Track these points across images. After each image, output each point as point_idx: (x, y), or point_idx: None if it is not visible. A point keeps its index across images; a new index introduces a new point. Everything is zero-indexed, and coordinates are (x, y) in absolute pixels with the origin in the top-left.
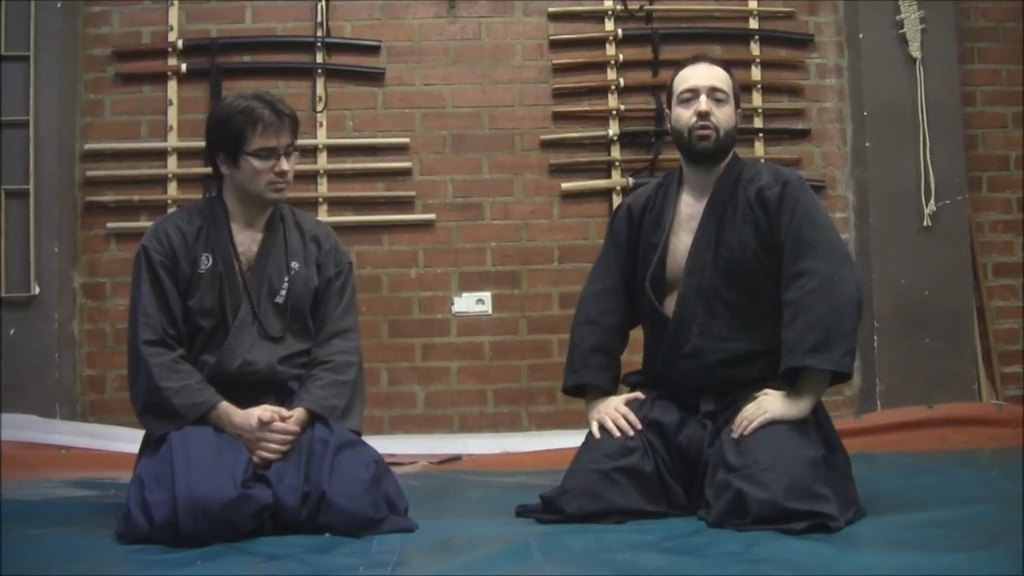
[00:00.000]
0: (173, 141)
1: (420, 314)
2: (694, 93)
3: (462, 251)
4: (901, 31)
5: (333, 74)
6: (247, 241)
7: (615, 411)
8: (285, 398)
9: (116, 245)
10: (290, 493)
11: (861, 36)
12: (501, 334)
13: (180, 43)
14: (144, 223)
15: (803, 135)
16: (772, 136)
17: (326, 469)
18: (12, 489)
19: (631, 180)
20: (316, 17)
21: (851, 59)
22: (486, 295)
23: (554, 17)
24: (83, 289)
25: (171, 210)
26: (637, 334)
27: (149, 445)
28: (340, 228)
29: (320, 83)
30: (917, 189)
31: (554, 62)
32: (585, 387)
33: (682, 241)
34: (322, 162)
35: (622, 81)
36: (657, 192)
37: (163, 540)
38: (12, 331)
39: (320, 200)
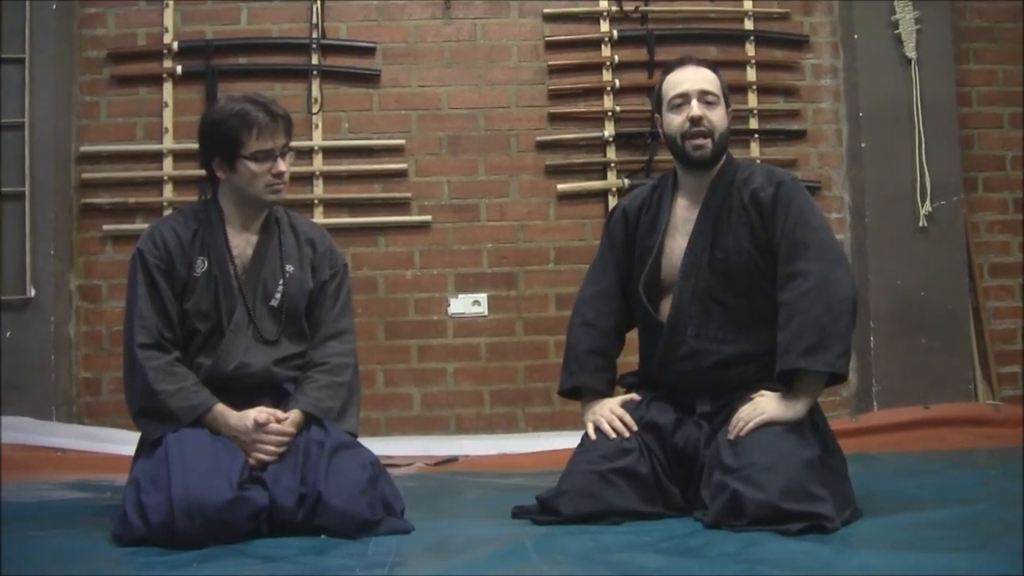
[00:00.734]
0: (169, 143)
1: (416, 316)
2: (685, 98)
3: (458, 252)
4: (896, 32)
5: (329, 76)
6: (242, 244)
7: (610, 412)
8: (281, 400)
9: (112, 247)
10: (286, 495)
11: (856, 37)
12: (497, 335)
13: (175, 45)
14: (140, 225)
15: (799, 136)
16: (768, 137)
17: (322, 471)
18: (9, 491)
19: (627, 181)
20: (311, 19)
21: (846, 60)
22: (482, 296)
23: (550, 18)
24: (79, 291)
25: (167, 212)
26: (634, 335)
27: (145, 447)
28: (336, 230)
29: (316, 85)
30: (913, 189)
31: (550, 63)
32: (581, 389)
33: (677, 244)
34: (318, 164)
35: (618, 82)
36: (652, 194)
37: (159, 542)
38: (8, 333)
39: (316, 202)
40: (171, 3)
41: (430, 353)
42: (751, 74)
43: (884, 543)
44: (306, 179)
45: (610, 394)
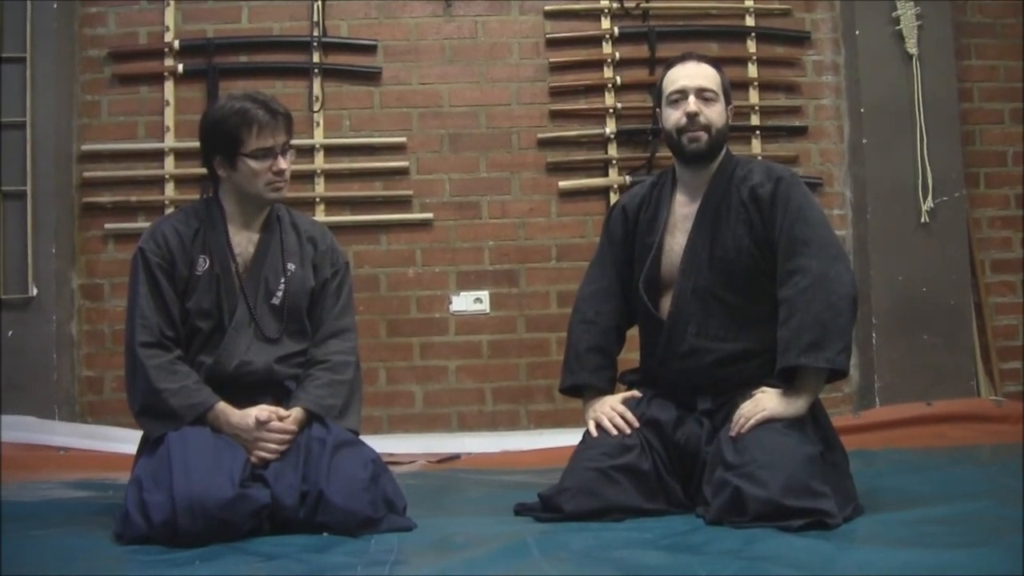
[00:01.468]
0: (170, 142)
1: (418, 313)
2: (682, 94)
3: (460, 250)
4: (897, 27)
5: (330, 74)
6: (244, 242)
7: (611, 410)
8: (282, 398)
9: (114, 246)
10: (288, 493)
11: (858, 33)
12: (499, 333)
13: (176, 44)
14: (142, 224)
15: (800, 132)
16: (769, 133)
17: (324, 468)
18: (11, 490)
19: (628, 178)
20: (312, 17)
21: (848, 56)
22: (484, 294)
23: (550, 15)
24: (81, 290)
25: (169, 211)
26: (634, 333)
27: (147, 446)
28: (337, 228)
29: (317, 83)
30: (914, 185)
31: (551, 60)
32: (582, 387)
33: (677, 241)
34: (319, 162)
35: (619, 79)
36: (651, 192)
37: (161, 540)
38: (10, 332)
39: (317, 200)
40: (172, 2)
41: (432, 351)
42: (752, 70)
43: (886, 539)
44: (307, 177)
45: (611, 391)
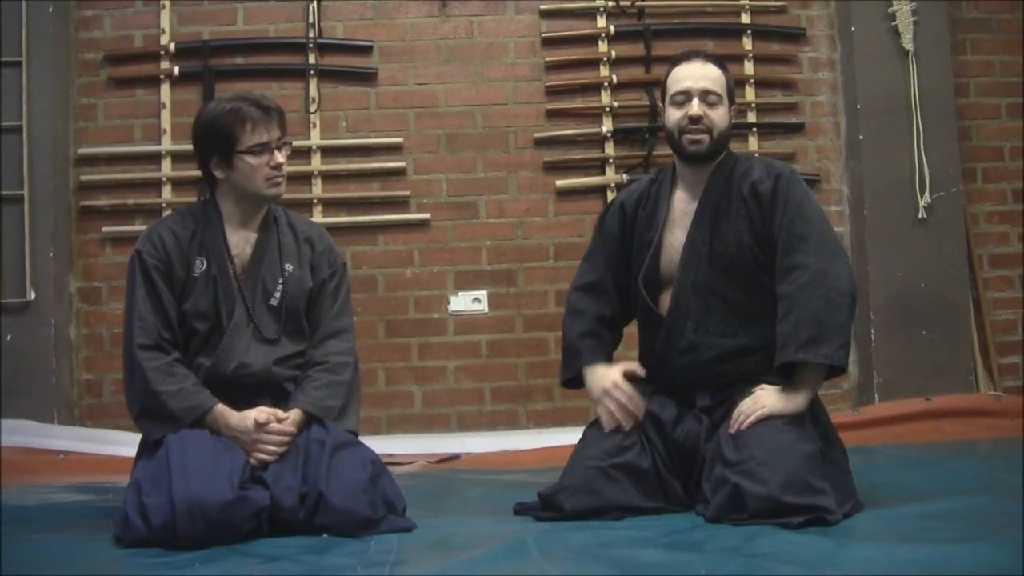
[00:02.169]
0: (167, 144)
1: (416, 313)
2: (687, 95)
3: (457, 250)
4: (893, 23)
5: (326, 75)
6: (241, 243)
7: (617, 390)
8: (281, 400)
9: (111, 249)
10: (287, 494)
11: (853, 29)
12: (498, 332)
13: (172, 46)
14: (139, 227)
15: (797, 129)
16: (766, 130)
17: (323, 470)
18: (11, 494)
19: (625, 176)
20: (308, 18)
21: (844, 52)
22: (482, 294)
23: (546, 15)
24: (79, 293)
25: (166, 213)
26: (633, 330)
27: (146, 449)
28: (335, 229)
29: (313, 84)
30: (911, 181)
31: (547, 59)
32: (582, 377)
33: (676, 238)
34: (316, 163)
35: (615, 78)
36: (650, 188)
37: (161, 543)
38: (8, 336)
39: (315, 201)
40: (167, 4)
41: (431, 351)
42: (748, 68)
43: (885, 535)
44: (304, 178)
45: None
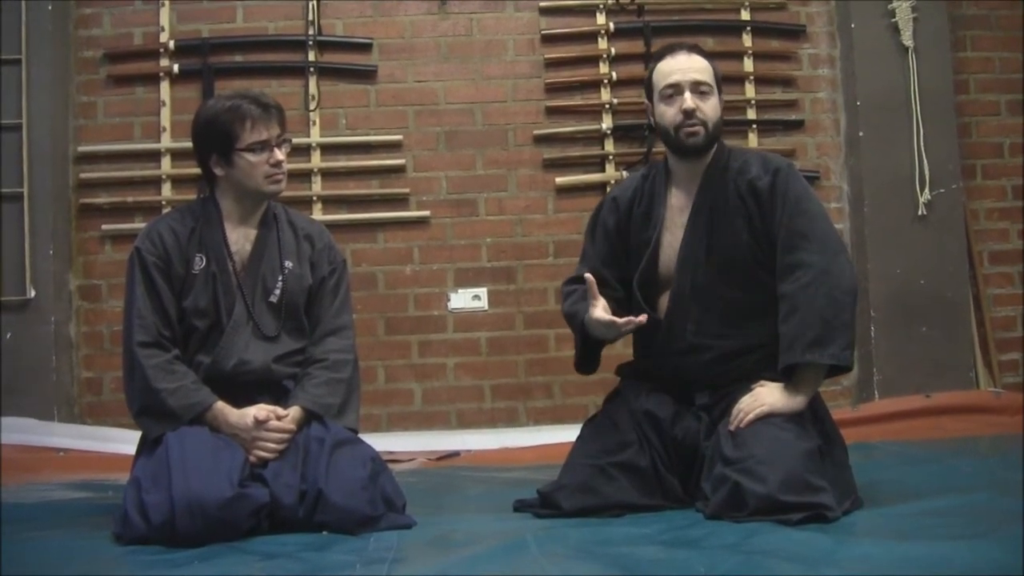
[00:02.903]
0: (166, 142)
1: (416, 311)
2: (677, 89)
3: (457, 247)
4: (893, 20)
5: (325, 72)
6: (241, 241)
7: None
8: (281, 397)
9: (111, 247)
10: (287, 492)
11: (853, 26)
12: (497, 330)
13: (172, 44)
14: (139, 224)
15: (796, 126)
16: (765, 127)
17: (323, 467)
18: (11, 492)
19: (625, 173)
20: (307, 15)
21: (843, 49)
22: (482, 291)
23: (546, 12)
24: (79, 291)
25: (166, 211)
26: None
27: (146, 446)
28: (335, 226)
29: (312, 81)
30: (911, 178)
31: (546, 57)
32: (594, 357)
33: (674, 238)
34: (315, 160)
35: (614, 75)
36: (643, 185)
37: (160, 541)
38: (8, 334)
39: (314, 198)
40: (167, 2)
41: (430, 348)
42: (748, 64)
43: (885, 532)
44: (304, 176)
45: None
